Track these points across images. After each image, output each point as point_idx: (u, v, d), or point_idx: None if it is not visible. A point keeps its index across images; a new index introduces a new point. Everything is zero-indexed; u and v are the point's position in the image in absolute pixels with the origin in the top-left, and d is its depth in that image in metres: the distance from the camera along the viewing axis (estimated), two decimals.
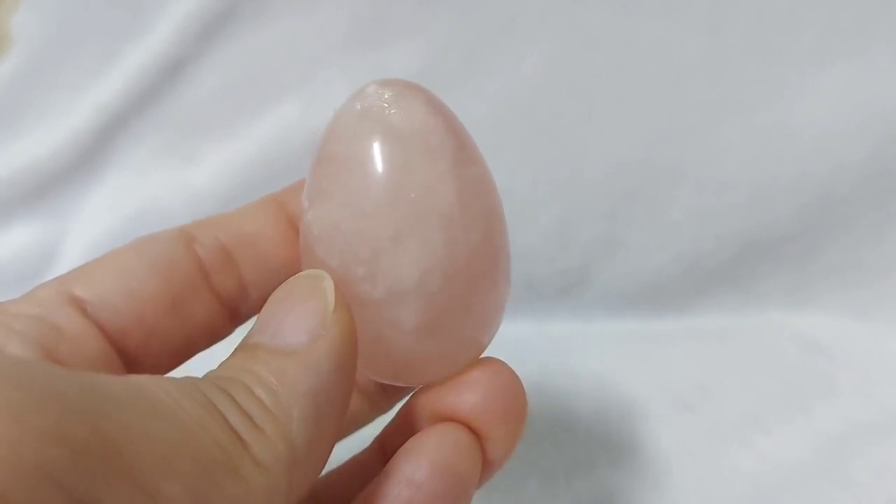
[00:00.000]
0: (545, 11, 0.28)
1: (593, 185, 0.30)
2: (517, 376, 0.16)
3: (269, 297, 0.15)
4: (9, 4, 0.29)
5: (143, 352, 0.16)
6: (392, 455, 0.15)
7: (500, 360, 0.16)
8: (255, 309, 0.18)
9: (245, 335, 0.15)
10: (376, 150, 0.15)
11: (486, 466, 0.16)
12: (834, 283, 0.31)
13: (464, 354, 0.16)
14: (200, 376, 0.13)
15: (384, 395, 0.20)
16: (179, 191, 0.31)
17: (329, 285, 0.14)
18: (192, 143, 0.30)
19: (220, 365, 0.14)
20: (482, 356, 0.17)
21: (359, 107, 0.15)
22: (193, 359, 0.18)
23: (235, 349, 0.14)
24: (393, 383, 0.17)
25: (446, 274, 0.15)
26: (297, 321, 0.14)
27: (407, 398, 0.17)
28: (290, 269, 0.16)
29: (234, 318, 0.18)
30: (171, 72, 0.29)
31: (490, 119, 0.29)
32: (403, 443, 0.15)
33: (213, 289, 0.17)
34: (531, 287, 0.31)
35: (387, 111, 0.15)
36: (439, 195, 0.15)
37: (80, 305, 0.16)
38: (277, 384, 0.13)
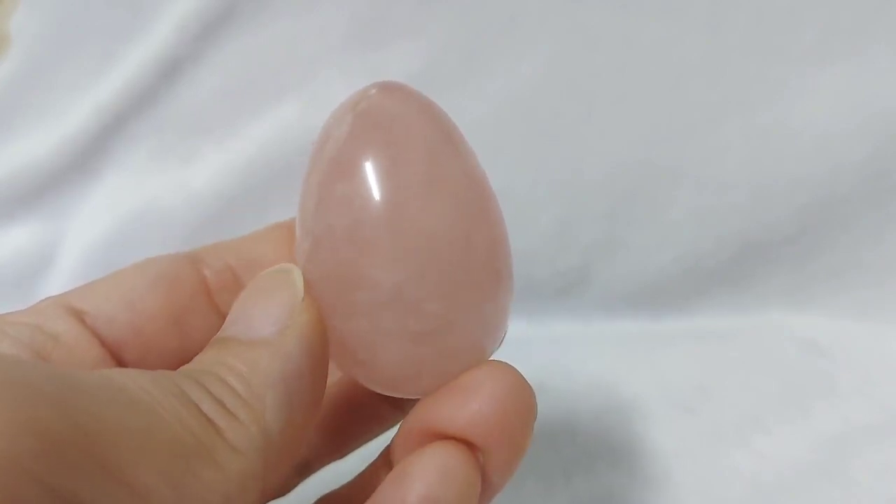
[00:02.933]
0: (545, 11, 0.28)
1: (593, 185, 0.30)
2: (523, 380, 0.15)
3: (240, 294, 0.15)
4: (8, 5, 0.29)
5: (141, 364, 0.16)
6: None
7: (503, 363, 0.15)
8: None
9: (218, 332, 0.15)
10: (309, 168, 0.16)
11: (487, 486, 0.15)
12: (834, 283, 0.30)
13: (459, 362, 0.15)
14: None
15: (393, 407, 0.20)
16: (179, 191, 0.31)
17: (297, 277, 0.15)
18: (191, 143, 0.30)
19: (193, 360, 0.14)
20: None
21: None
22: None
23: (208, 345, 0.14)
24: (391, 394, 0.16)
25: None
26: (267, 312, 0.14)
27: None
28: None
29: None
30: (171, 72, 0.29)
31: (490, 119, 0.29)
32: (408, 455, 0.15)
33: (217, 309, 0.18)
34: (531, 287, 0.31)
35: (326, 133, 0.16)
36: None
37: (78, 315, 0.16)
38: (249, 373, 0.13)
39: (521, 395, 0.14)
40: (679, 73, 0.28)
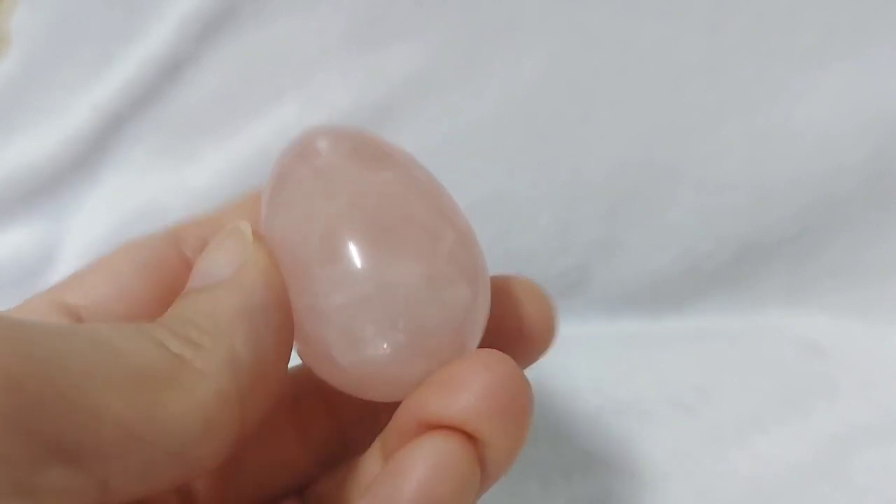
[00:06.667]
0: (545, 11, 0.28)
1: (593, 186, 0.30)
2: (518, 368, 0.14)
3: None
4: (7, 5, 0.29)
5: None
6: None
7: (494, 351, 0.14)
8: None
9: None
10: None
11: (485, 476, 0.14)
12: (834, 283, 0.30)
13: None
14: None
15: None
16: (178, 191, 0.31)
17: (246, 226, 0.15)
18: (190, 143, 0.30)
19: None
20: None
21: None
22: None
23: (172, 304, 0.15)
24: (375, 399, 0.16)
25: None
26: (220, 260, 0.15)
27: None
28: None
29: None
30: (170, 72, 0.29)
31: (489, 119, 0.29)
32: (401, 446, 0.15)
33: None
34: None
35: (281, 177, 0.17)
36: None
37: (73, 312, 0.16)
38: (212, 309, 0.14)
39: (516, 382, 0.14)
40: (679, 73, 0.28)
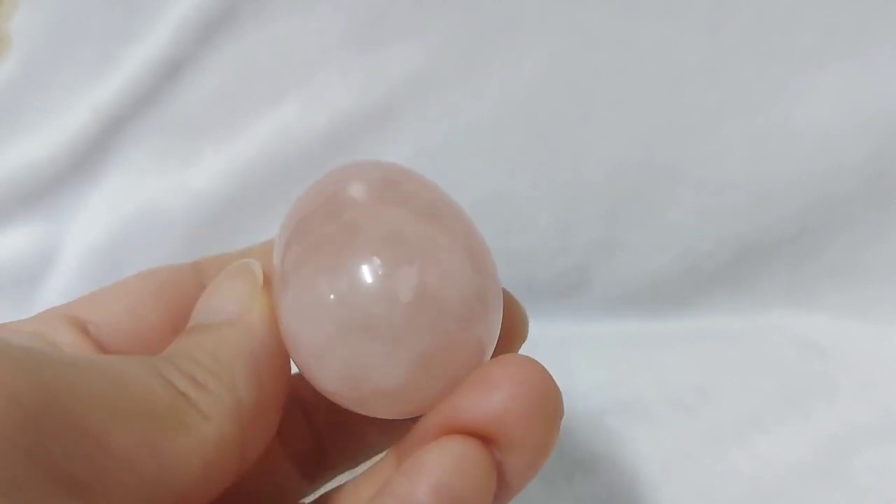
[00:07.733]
0: (545, 11, 0.28)
1: (593, 186, 0.30)
2: (547, 372, 0.14)
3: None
4: (8, 6, 0.29)
5: None
6: None
7: (528, 357, 0.14)
8: None
9: None
10: None
11: (504, 487, 0.14)
12: (834, 283, 0.30)
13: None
14: None
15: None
16: (179, 192, 0.31)
17: (257, 267, 0.16)
18: (191, 144, 0.30)
19: (165, 350, 0.15)
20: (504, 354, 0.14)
21: None
22: None
23: (178, 336, 0.15)
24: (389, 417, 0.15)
25: None
26: (229, 298, 0.15)
27: None
28: None
29: None
30: (170, 73, 0.29)
31: (489, 119, 0.29)
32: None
33: None
34: (530, 288, 0.31)
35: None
36: None
37: (82, 326, 0.16)
38: (217, 349, 0.14)
39: (546, 392, 0.14)
40: (679, 73, 0.28)
